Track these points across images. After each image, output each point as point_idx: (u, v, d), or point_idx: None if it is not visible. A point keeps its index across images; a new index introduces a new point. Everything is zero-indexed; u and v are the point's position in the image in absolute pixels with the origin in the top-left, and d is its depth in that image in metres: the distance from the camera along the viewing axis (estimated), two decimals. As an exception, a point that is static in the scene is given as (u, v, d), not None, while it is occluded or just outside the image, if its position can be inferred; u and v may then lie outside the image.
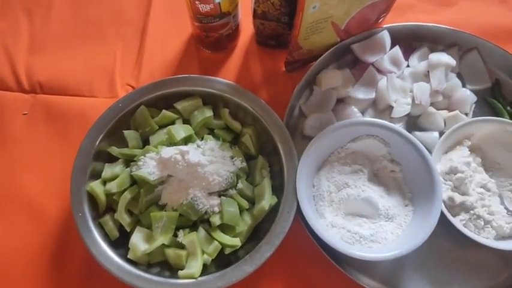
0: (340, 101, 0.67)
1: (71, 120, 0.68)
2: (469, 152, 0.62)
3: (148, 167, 0.56)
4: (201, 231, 0.56)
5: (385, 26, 0.68)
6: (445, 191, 0.59)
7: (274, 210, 0.57)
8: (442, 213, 0.56)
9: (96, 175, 0.58)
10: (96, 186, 0.56)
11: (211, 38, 0.68)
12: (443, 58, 0.65)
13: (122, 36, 0.75)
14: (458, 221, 0.57)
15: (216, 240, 0.55)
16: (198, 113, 0.61)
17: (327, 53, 0.65)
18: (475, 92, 0.67)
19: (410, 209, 0.59)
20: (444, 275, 0.60)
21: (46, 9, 0.76)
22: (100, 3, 0.77)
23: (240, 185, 0.58)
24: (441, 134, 0.63)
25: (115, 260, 0.53)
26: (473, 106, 0.67)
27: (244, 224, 0.57)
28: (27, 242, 0.61)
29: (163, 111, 0.61)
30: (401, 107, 0.64)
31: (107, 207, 0.58)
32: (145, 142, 0.61)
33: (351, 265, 0.58)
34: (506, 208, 0.60)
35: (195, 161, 0.55)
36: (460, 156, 0.61)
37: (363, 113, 0.66)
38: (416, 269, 0.60)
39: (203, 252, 0.55)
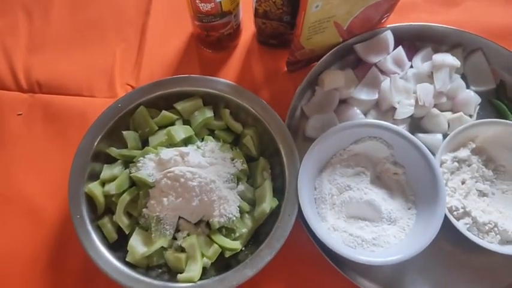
0: (343, 101, 0.66)
1: (69, 120, 0.67)
2: (472, 155, 0.61)
3: (147, 169, 0.55)
4: (201, 234, 0.55)
5: (388, 26, 0.67)
6: (448, 194, 0.58)
7: (275, 213, 0.56)
8: (445, 216, 0.55)
9: (94, 176, 0.57)
10: (94, 187, 0.56)
11: (212, 37, 0.68)
12: (448, 59, 0.64)
13: (121, 35, 0.74)
14: (462, 225, 0.57)
15: (216, 243, 0.54)
16: (199, 113, 0.60)
17: (329, 53, 0.64)
18: (479, 93, 0.66)
19: (413, 212, 0.58)
20: (447, 280, 0.59)
21: (45, 8, 0.76)
22: (99, 2, 0.76)
23: (240, 187, 0.57)
24: (445, 136, 0.62)
25: (113, 262, 0.52)
26: (478, 108, 0.66)
27: (245, 226, 0.56)
28: (25, 243, 0.61)
29: (163, 111, 0.60)
30: (405, 109, 0.63)
31: (106, 209, 0.57)
32: (144, 143, 0.60)
33: (352, 269, 0.57)
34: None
35: (195, 162, 0.54)
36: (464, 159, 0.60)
37: (365, 114, 0.65)
38: (419, 273, 0.59)
39: (203, 255, 0.54)
